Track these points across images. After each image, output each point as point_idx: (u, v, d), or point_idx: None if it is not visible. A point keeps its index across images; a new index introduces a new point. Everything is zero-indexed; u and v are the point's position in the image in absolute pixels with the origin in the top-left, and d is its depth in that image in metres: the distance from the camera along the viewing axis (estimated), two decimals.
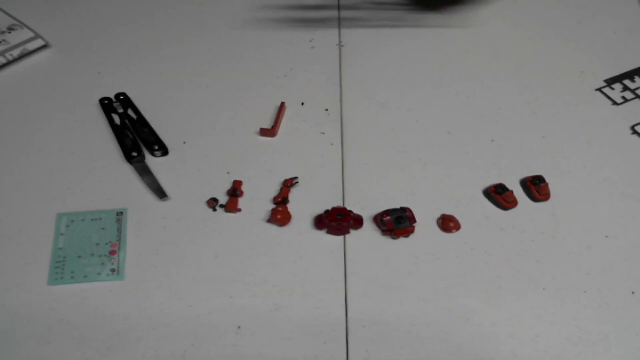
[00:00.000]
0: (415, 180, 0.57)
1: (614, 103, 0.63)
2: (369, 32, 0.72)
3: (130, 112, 0.62)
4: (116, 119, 0.61)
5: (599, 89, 0.64)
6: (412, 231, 0.53)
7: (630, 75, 0.66)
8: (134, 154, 0.58)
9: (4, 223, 0.54)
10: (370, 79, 0.67)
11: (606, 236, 0.54)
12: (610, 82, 0.65)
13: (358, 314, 0.49)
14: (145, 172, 0.57)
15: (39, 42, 0.67)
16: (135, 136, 0.60)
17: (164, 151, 0.59)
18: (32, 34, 0.68)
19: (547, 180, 0.56)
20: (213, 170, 0.58)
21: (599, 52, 0.68)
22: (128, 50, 0.69)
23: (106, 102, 0.63)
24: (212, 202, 0.54)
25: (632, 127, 0.61)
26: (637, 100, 0.63)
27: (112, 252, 0.52)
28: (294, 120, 0.62)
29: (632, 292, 0.50)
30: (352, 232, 0.53)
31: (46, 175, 0.57)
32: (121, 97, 0.63)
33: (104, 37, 0.70)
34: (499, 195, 0.55)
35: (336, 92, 0.65)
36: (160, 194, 0.55)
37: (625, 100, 0.63)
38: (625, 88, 0.64)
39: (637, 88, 0.64)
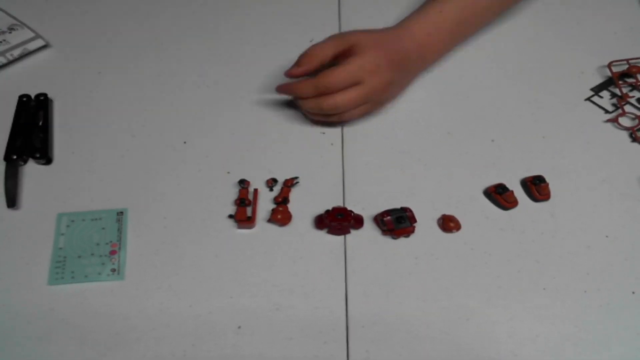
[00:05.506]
0: (416, 181, 0.57)
1: (607, 112, 0.63)
2: None
3: (41, 115, 0.61)
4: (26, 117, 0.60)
5: (588, 99, 0.64)
6: (412, 231, 0.53)
7: (611, 82, 0.65)
8: (14, 156, 0.57)
9: (4, 223, 0.54)
10: None
11: (606, 236, 0.54)
12: (597, 90, 0.65)
13: (358, 314, 0.49)
14: (11, 177, 0.56)
15: (39, 42, 0.67)
16: (30, 139, 0.59)
17: (47, 160, 0.58)
18: (32, 34, 0.68)
19: (547, 180, 0.56)
20: (213, 170, 0.58)
21: (599, 52, 0.68)
22: (128, 50, 0.69)
23: (24, 99, 0.62)
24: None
25: (630, 134, 0.61)
26: (628, 105, 0.63)
27: (113, 252, 0.52)
28: (294, 120, 0.62)
29: (633, 292, 0.50)
30: (353, 232, 0.53)
31: (46, 175, 0.57)
32: (41, 98, 0.62)
33: (104, 37, 0.70)
34: (499, 196, 0.55)
35: None
36: (11, 202, 0.54)
37: (617, 107, 0.63)
38: (614, 95, 0.64)
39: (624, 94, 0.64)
